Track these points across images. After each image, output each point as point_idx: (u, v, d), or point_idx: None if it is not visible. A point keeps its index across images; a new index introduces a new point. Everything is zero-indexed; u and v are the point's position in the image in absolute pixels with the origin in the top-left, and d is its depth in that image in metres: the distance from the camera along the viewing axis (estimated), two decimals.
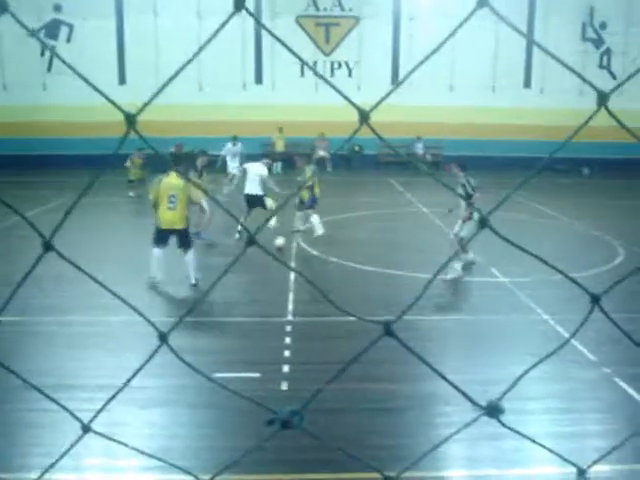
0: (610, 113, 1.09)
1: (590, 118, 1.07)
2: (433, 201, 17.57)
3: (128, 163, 18.96)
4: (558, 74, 26.58)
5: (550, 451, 1.25)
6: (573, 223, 15.93)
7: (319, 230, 13.18)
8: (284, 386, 6.70)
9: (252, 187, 13.09)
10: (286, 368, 7.28)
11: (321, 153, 25.72)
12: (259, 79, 26.81)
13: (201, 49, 1.04)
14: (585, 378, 7.27)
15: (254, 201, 13.03)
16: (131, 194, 19.00)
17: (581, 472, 1.17)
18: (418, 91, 26.15)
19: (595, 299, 1.10)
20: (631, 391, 6.84)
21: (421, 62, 1.02)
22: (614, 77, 26.72)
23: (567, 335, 8.11)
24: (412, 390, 6.66)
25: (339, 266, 11.69)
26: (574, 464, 1.21)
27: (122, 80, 25.59)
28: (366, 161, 26.47)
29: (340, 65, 26.93)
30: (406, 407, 6.43)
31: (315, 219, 13.30)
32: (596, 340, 8.19)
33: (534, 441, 1.25)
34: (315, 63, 26.91)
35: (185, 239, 10.00)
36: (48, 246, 1.00)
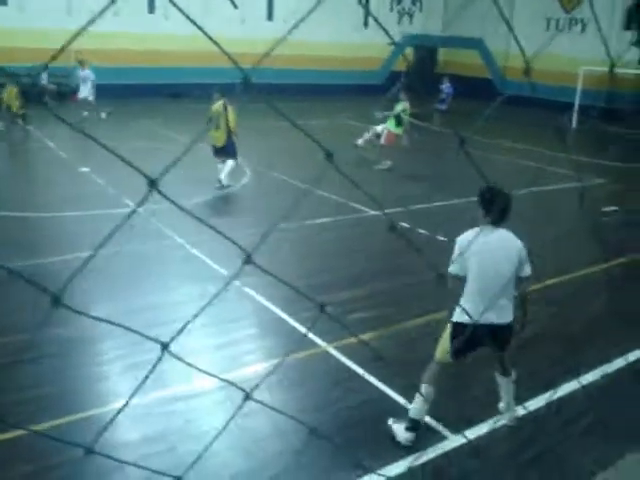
0: None
1: None
2: (60, 135, 16.47)
3: None
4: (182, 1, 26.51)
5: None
6: (200, 147, 16.41)
7: None
8: None
9: None
10: None
11: None
12: None
13: None
14: (223, 293, 7.71)
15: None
16: None
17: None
18: (37, 14, 23.67)
19: None
20: (259, 298, 7.54)
21: None
22: (236, 6, 28.14)
23: (203, 257, 8.53)
24: (51, 336, 6.33)
25: None
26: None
27: None
28: None
29: None
30: (46, 354, 6.10)
31: None
32: (225, 255, 8.61)
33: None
34: None
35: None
36: None
